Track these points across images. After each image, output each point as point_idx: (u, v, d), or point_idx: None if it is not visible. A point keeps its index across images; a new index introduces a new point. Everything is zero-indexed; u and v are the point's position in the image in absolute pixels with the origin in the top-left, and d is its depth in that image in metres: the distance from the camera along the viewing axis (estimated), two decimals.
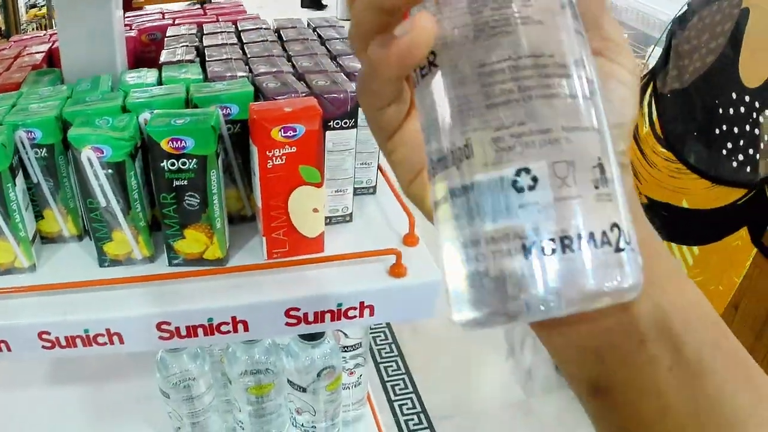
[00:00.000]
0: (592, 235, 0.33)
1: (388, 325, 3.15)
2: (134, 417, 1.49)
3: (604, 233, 0.34)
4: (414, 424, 2.69)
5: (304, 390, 1.22)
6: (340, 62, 1.13)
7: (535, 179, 0.33)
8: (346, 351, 1.32)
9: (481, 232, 0.35)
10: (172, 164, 0.91)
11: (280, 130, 0.90)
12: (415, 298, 1.00)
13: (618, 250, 0.34)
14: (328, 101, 0.99)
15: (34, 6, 5.17)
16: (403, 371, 2.93)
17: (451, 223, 0.37)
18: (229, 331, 0.96)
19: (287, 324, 0.97)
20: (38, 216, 1.03)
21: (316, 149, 0.93)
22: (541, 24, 0.36)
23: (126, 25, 1.33)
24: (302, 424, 1.31)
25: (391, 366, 2.95)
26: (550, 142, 0.34)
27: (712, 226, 2.05)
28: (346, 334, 1.33)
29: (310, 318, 0.97)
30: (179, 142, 0.89)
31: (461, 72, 0.36)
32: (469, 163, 0.35)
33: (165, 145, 0.89)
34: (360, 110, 1.02)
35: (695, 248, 2.10)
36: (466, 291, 0.36)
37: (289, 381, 1.24)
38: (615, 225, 0.34)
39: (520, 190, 0.34)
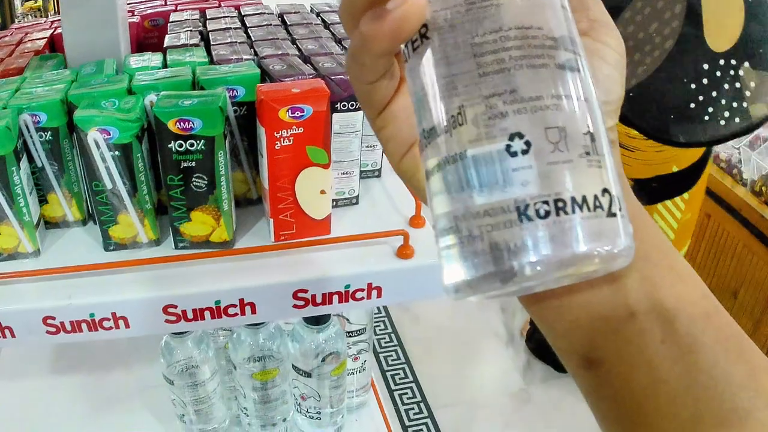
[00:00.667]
0: (584, 199, 0.34)
1: (388, 314, 3.15)
2: (137, 404, 1.49)
3: (596, 197, 0.34)
4: (414, 414, 2.69)
5: (309, 375, 1.22)
6: (345, 45, 1.12)
7: (528, 143, 0.34)
8: (350, 336, 1.32)
9: (475, 197, 0.35)
10: (180, 145, 0.90)
11: (288, 111, 0.90)
12: (423, 279, 0.99)
13: (610, 214, 0.34)
14: (335, 83, 0.99)
15: None
16: (403, 360, 2.93)
17: (443, 191, 0.37)
18: (236, 314, 0.96)
19: (295, 306, 0.97)
20: (42, 200, 1.03)
21: (323, 130, 0.93)
22: None
23: (128, 11, 1.33)
24: (307, 411, 1.30)
25: (391, 355, 2.95)
26: (542, 108, 0.35)
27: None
28: (349, 320, 1.32)
29: (318, 300, 0.96)
30: (187, 123, 0.89)
31: (453, 44, 0.37)
32: (462, 130, 0.36)
33: (172, 126, 0.89)
34: None
35: (686, 194, 2.19)
36: (459, 255, 0.36)
37: (294, 366, 1.23)
38: (606, 190, 0.35)
39: (513, 154, 0.34)
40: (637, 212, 0.43)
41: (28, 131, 0.96)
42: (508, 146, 0.34)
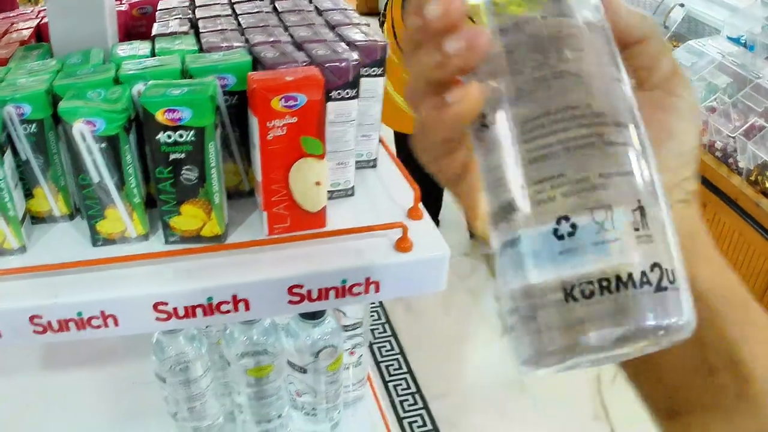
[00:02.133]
0: (630, 276, 0.35)
1: (381, 304, 3.13)
2: (129, 403, 1.46)
3: (643, 273, 0.35)
4: (409, 405, 2.67)
5: (304, 371, 1.19)
6: (339, 32, 1.09)
7: (574, 226, 0.36)
8: (346, 330, 1.29)
9: (527, 282, 0.37)
10: (169, 137, 0.87)
11: (281, 100, 0.87)
12: (422, 272, 0.97)
13: (659, 289, 0.35)
14: (330, 71, 0.95)
15: None
16: (397, 351, 2.91)
17: (504, 273, 0.39)
18: (229, 311, 0.92)
19: (290, 302, 0.93)
20: (28, 195, 1.00)
21: (318, 119, 0.90)
22: (577, 77, 0.38)
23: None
24: (302, 407, 1.28)
25: (385, 346, 2.93)
26: (588, 189, 0.36)
27: None
28: (344, 314, 1.30)
29: (314, 296, 0.93)
30: (176, 113, 0.86)
31: (503, 132, 0.39)
32: (514, 215, 0.38)
33: (160, 116, 0.86)
34: (361, 80, 0.99)
35: None
36: (519, 334, 0.38)
37: (289, 362, 1.20)
38: (656, 265, 0.35)
39: (560, 237, 0.36)
40: (716, 264, 0.45)
41: (12, 124, 0.93)
42: (556, 230, 0.36)
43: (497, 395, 2.70)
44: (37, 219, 1.02)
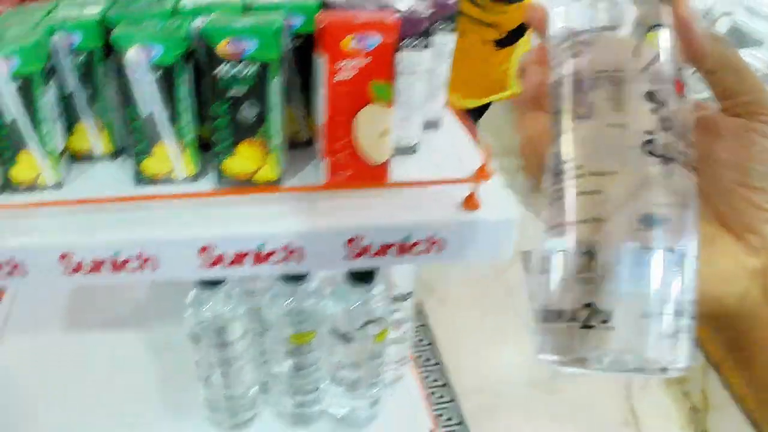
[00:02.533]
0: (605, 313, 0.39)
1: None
2: (156, 365, 1.43)
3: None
4: (438, 398, 2.62)
5: (349, 340, 1.13)
6: None
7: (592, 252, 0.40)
8: (394, 302, 1.23)
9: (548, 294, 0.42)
10: (230, 70, 0.81)
11: (353, 39, 0.81)
12: (489, 236, 0.91)
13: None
14: (403, 18, 0.89)
15: None
16: (428, 343, 2.85)
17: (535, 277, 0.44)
18: (282, 260, 0.87)
19: (347, 257, 0.88)
20: (69, 130, 0.95)
21: (390, 63, 0.84)
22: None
23: None
24: (342, 380, 1.22)
25: (416, 337, 2.87)
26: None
27: None
28: (394, 284, 1.24)
29: (373, 250, 0.88)
30: (240, 45, 0.80)
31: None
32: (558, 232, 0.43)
33: (222, 47, 0.80)
34: (432, 30, 0.94)
35: None
36: (537, 333, 0.42)
37: (332, 330, 1.14)
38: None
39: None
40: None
41: (60, 53, 0.89)
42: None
43: (527, 394, 2.64)
44: (76, 157, 0.98)
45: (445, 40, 1.01)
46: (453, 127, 1.09)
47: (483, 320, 2.94)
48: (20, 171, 0.90)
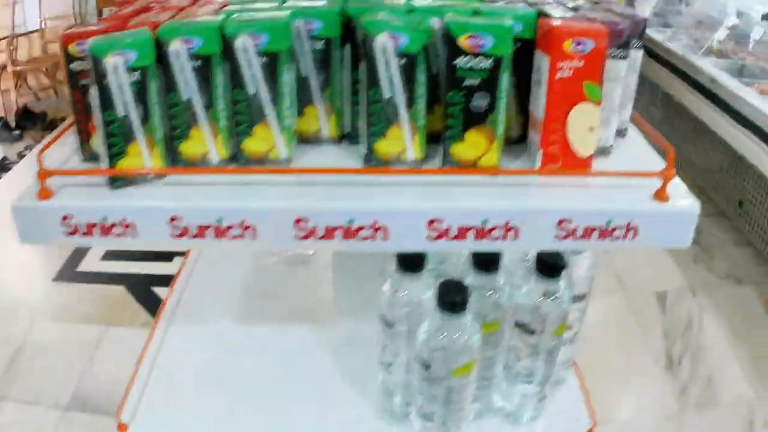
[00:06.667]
0: None
1: None
2: (332, 361, 1.51)
3: None
4: None
5: (533, 332, 1.21)
6: (606, 7, 1.14)
7: None
8: (572, 302, 1.30)
9: None
10: (468, 62, 0.93)
11: (573, 42, 0.92)
12: (674, 225, 1.01)
13: None
14: (608, 27, 1.00)
15: None
16: None
17: None
18: (500, 237, 0.98)
19: (557, 237, 0.99)
20: (300, 112, 1.07)
21: (601, 66, 0.95)
22: None
23: None
24: (519, 372, 1.29)
25: None
26: None
27: None
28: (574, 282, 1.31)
29: (580, 233, 0.98)
30: (478, 39, 0.92)
31: None
32: None
33: (463, 41, 0.92)
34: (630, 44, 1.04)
35: None
36: None
37: (517, 323, 1.22)
38: None
39: None
40: None
41: (300, 37, 1.01)
42: None
43: (654, 429, 2.66)
44: (303, 139, 1.10)
45: (636, 55, 1.11)
46: (636, 136, 1.20)
47: (615, 353, 2.96)
48: (253, 143, 1.01)
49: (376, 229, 0.97)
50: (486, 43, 0.92)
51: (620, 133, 1.16)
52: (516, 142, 1.09)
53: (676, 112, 3.96)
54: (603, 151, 1.10)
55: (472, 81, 0.94)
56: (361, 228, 0.97)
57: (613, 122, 1.08)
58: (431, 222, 0.96)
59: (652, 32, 4.01)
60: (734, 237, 3.49)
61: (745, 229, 3.41)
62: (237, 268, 1.81)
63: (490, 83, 0.94)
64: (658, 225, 1.00)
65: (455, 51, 0.93)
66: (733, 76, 3.34)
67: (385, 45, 0.93)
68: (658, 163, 1.07)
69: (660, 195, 0.99)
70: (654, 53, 3.94)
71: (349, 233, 0.97)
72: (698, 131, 3.65)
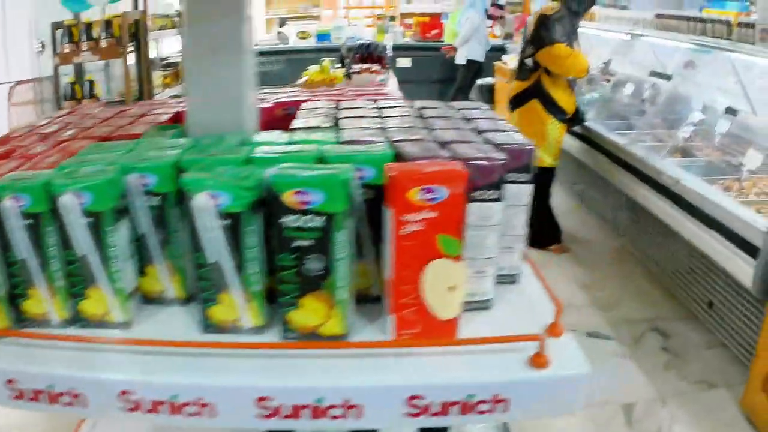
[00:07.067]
0: None
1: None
2: None
3: None
4: None
5: None
6: (486, 136, 1.02)
7: None
8: None
9: None
10: (295, 221, 0.81)
11: (420, 191, 0.80)
12: (557, 392, 0.87)
13: None
14: (474, 168, 0.88)
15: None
16: None
17: None
18: (340, 416, 0.84)
19: (406, 414, 0.85)
20: (141, 272, 0.96)
21: (458, 217, 0.83)
22: None
23: (263, 98, 1.29)
24: None
25: None
26: None
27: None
28: None
29: (434, 409, 0.84)
30: (305, 196, 0.80)
31: None
32: None
33: (289, 197, 0.80)
34: (506, 186, 0.92)
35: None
36: None
37: None
38: None
39: None
40: None
41: (134, 194, 0.91)
42: None
43: None
44: (149, 299, 0.99)
45: (521, 192, 0.99)
46: (531, 280, 1.06)
47: None
48: (89, 306, 0.91)
49: (203, 406, 0.85)
50: (315, 199, 0.80)
51: (508, 279, 1.04)
52: (379, 300, 0.96)
53: (643, 215, 3.89)
54: (481, 305, 0.97)
55: (302, 242, 0.82)
56: (186, 404, 0.85)
57: (490, 272, 0.95)
58: (260, 400, 0.84)
59: (614, 136, 4.03)
60: (706, 339, 3.35)
61: (717, 331, 3.28)
62: None
63: (324, 243, 0.83)
64: (536, 394, 0.87)
65: (281, 209, 0.81)
66: (698, 174, 3.26)
67: (204, 205, 0.82)
68: (549, 315, 0.94)
69: (537, 361, 0.86)
70: (617, 158, 3.94)
71: (175, 408, 0.85)
72: (665, 234, 3.56)
